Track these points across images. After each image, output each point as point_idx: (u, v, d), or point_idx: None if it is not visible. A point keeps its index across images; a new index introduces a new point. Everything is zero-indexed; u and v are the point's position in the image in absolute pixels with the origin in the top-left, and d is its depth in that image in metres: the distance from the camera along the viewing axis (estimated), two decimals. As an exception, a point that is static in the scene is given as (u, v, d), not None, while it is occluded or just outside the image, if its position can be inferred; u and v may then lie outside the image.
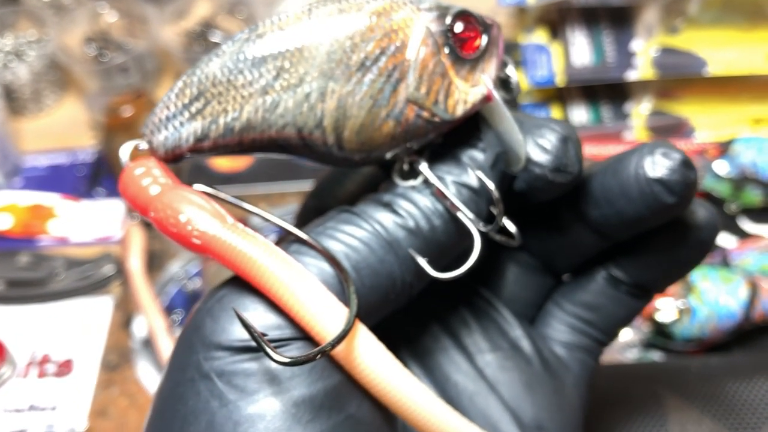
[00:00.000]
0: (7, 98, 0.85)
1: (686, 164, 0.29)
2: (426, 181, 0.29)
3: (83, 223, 0.77)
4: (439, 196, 0.28)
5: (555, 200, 0.31)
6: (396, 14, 0.27)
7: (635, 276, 0.33)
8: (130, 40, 0.88)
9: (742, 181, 0.69)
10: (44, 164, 0.83)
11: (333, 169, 0.37)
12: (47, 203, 0.78)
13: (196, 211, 0.26)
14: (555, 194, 0.30)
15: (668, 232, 0.32)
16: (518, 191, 0.31)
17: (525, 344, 0.34)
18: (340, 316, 0.25)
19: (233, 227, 0.26)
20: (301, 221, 0.36)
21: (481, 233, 0.29)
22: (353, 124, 0.27)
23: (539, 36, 0.79)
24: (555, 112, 0.79)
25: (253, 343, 0.24)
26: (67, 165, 0.82)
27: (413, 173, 0.29)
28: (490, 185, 0.29)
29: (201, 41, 0.87)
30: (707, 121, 0.78)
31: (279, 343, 0.25)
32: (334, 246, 0.27)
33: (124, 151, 0.28)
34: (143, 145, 0.28)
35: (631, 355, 0.62)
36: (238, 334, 0.25)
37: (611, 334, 0.35)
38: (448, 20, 0.28)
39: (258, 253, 0.25)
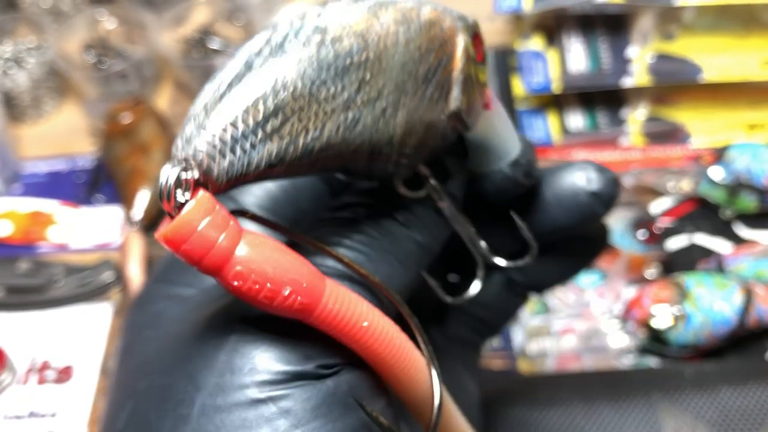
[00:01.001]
0: (7, 105, 0.85)
1: (615, 181, 0.33)
2: (429, 195, 0.29)
3: (83, 230, 0.77)
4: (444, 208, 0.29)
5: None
6: (444, 24, 0.26)
7: (532, 280, 0.37)
8: (129, 46, 0.88)
9: (736, 187, 0.70)
10: (44, 171, 0.83)
11: None
12: (46, 210, 0.79)
13: (297, 280, 0.22)
14: (513, 197, 0.32)
15: (571, 242, 0.36)
16: (479, 193, 0.32)
17: (440, 342, 0.36)
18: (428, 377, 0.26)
19: (335, 288, 0.24)
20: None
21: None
22: (414, 141, 0.26)
23: (535, 43, 0.80)
24: (551, 119, 0.80)
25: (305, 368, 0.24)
26: (66, 171, 0.83)
27: (415, 183, 0.29)
28: (532, 243, 0.32)
29: (199, 48, 0.88)
30: (703, 127, 0.79)
31: (331, 369, 0.25)
32: (360, 260, 0.26)
33: (166, 182, 0.21)
34: (189, 174, 0.22)
35: (627, 361, 0.62)
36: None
37: (497, 330, 0.39)
38: (471, 31, 0.27)
39: (365, 325, 0.24)
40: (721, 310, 0.59)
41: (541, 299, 0.67)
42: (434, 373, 0.26)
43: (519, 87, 0.81)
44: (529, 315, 0.66)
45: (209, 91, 0.22)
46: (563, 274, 0.38)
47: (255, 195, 0.32)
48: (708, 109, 0.79)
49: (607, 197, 0.33)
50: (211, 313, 0.26)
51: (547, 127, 0.79)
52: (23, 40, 0.90)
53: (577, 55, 0.78)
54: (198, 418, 0.24)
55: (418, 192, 0.28)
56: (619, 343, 0.62)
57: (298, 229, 0.28)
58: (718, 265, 0.66)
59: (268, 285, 0.22)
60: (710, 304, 0.59)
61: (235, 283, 0.22)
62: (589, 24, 0.79)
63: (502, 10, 0.77)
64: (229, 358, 0.24)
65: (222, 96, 0.22)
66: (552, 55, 0.78)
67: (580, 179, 0.33)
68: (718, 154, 0.71)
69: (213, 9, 0.92)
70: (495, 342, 0.65)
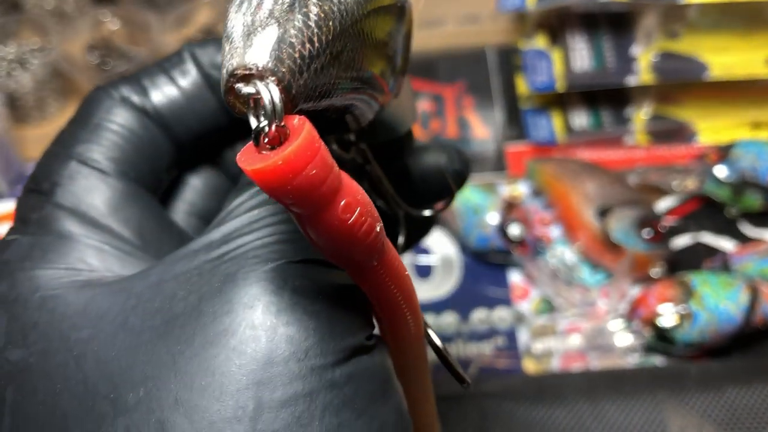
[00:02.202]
0: (11, 106, 0.85)
1: (469, 162, 0.38)
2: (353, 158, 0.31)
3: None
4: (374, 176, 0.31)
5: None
6: None
7: None
8: (132, 47, 0.88)
9: (742, 185, 0.69)
10: (48, 172, 0.83)
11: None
12: (51, 211, 0.79)
13: (379, 216, 0.21)
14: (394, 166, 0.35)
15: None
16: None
17: None
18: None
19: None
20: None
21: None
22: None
23: (539, 41, 0.80)
24: (556, 117, 0.79)
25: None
26: (70, 172, 0.83)
27: (345, 145, 0.30)
28: (454, 188, 0.36)
29: (203, 48, 0.88)
30: (708, 126, 0.78)
31: (372, 340, 0.25)
32: None
33: (271, 100, 0.18)
34: (271, 92, 0.18)
35: (633, 360, 0.62)
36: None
37: None
38: None
39: (407, 273, 0.24)
40: (727, 308, 0.59)
41: (547, 299, 0.66)
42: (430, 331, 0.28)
43: (523, 86, 0.80)
44: (534, 314, 0.66)
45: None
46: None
47: (102, 151, 0.30)
48: (713, 107, 0.79)
49: (465, 175, 0.37)
50: (206, 295, 0.24)
51: (552, 126, 0.79)
52: (27, 42, 0.90)
53: (581, 54, 0.77)
54: (255, 418, 0.21)
55: (347, 154, 0.30)
56: (624, 342, 0.62)
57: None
58: (723, 263, 0.66)
59: (369, 219, 0.20)
60: (716, 303, 0.59)
61: (346, 216, 0.19)
62: (593, 23, 0.79)
63: (506, 9, 0.77)
64: (275, 345, 0.22)
65: (291, 6, 0.19)
66: (556, 54, 0.78)
67: (444, 159, 0.36)
68: (723, 153, 0.71)
69: (216, 9, 0.92)
70: (500, 341, 0.65)
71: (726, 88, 0.78)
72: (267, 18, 0.19)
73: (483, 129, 0.81)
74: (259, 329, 0.22)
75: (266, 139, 0.18)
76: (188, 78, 0.32)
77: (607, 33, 0.78)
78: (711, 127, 0.78)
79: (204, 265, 0.24)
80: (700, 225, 0.71)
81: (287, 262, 0.24)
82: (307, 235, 0.20)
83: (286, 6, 0.19)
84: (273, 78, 0.18)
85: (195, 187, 0.35)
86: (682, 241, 0.70)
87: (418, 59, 0.84)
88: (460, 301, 0.67)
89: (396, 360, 0.27)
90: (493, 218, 0.67)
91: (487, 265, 0.69)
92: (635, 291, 0.65)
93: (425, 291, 0.68)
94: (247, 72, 0.18)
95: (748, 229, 0.71)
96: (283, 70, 0.18)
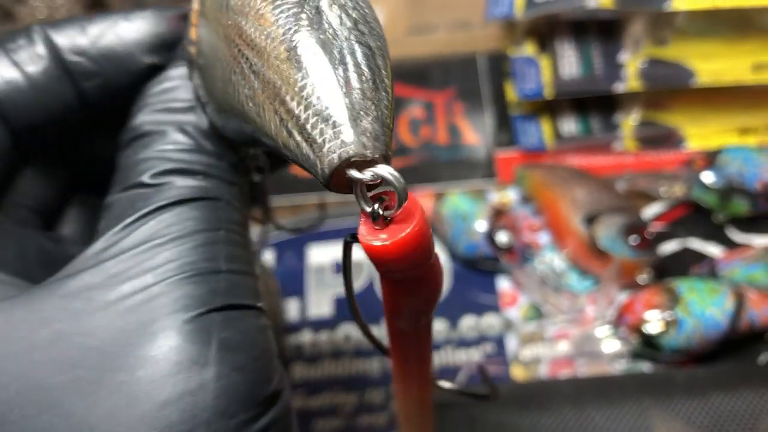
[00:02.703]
0: (4, 115, 0.86)
1: None
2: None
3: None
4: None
5: None
6: None
7: None
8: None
9: (729, 191, 0.70)
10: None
11: None
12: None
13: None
14: None
15: None
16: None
17: None
18: None
19: None
20: None
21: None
22: None
23: (528, 49, 0.80)
24: (544, 124, 0.80)
25: None
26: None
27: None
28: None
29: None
30: (696, 131, 0.79)
31: (283, 381, 0.25)
32: None
33: (399, 182, 0.19)
34: (396, 179, 0.19)
35: (620, 366, 0.62)
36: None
37: None
38: None
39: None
40: (713, 315, 0.60)
41: (535, 306, 0.67)
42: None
43: (512, 93, 0.81)
44: (523, 321, 0.66)
45: (353, 76, 0.19)
46: None
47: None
48: (701, 113, 0.79)
49: None
50: (123, 348, 0.22)
51: (541, 132, 0.79)
52: (20, 51, 0.90)
53: (569, 61, 0.78)
54: None
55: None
56: (611, 349, 0.62)
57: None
58: (710, 269, 0.66)
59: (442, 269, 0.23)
60: (702, 309, 0.60)
61: (437, 276, 0.22)
62: (582, 30, 0.79)
63: (494, 17, 0.78)
64: (205, 404, 0.22)
65: (375, 83, 0.20)
66: (544, 61, 0.79)
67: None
68: (711, 158, 0.71)
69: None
70: (489, 348, 0.65)
71: (714, 94, 0.78)
72: (362, 100, 0.19)
73: (473, 135, 0.81)
74: (188, 388, 0.22)
75: (386, 218, 0.20)
76: (38, 63, 0.28)
77: (596, 40, 0.79)
78: (699, 133, 0.79)
79: (109, 307, 0.22)
80: (687, 231, 0.72)
81: (209, 310, 0.23)
82: (391, 294, 0.22)
83: (371, 83, 0.19)
84: (385, 163, 0.19)
85: (30, 176, 0.31)
86: (669, 247, 0.71)
87: (410, 66, 0.85)
88: (450, 308, 0.68)
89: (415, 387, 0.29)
90: (481, 226, 0.67)
91: (476, 272, 0.70)
92: (623, 297, 0.65)
93: (415, 298, 0.68)
94: (361, 160, 0.19)
95: (735, 235, 0.71)
96: (390, 153, 0.19)
